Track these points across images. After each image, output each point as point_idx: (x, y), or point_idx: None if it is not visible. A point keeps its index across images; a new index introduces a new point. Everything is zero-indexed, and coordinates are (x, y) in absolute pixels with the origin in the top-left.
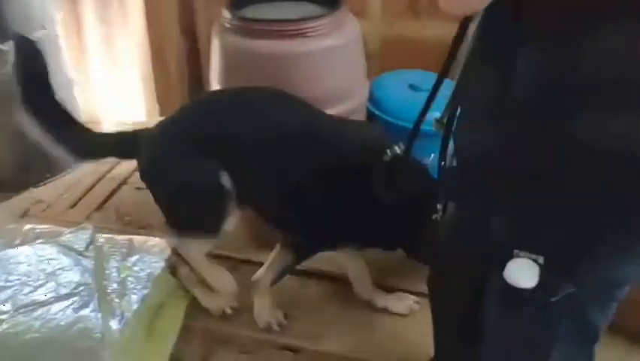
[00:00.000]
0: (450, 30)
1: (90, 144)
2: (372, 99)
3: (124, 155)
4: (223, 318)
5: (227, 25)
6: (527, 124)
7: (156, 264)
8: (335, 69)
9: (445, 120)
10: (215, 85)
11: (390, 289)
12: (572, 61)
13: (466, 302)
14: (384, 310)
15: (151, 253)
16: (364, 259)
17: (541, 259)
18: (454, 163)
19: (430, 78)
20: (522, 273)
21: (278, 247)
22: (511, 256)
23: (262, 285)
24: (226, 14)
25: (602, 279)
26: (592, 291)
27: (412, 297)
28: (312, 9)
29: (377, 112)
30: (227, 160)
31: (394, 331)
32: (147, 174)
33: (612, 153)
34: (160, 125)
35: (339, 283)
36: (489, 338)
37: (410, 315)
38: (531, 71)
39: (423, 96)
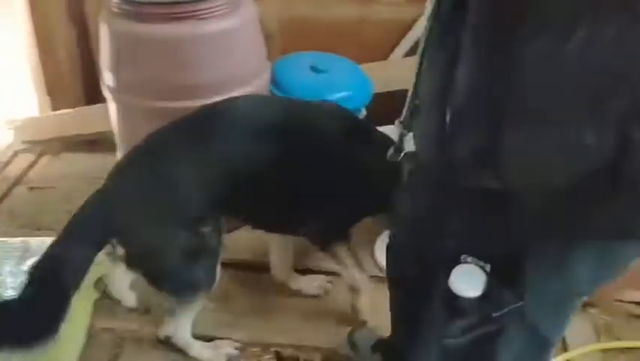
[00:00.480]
0: (350, 11)
1: None
2: (274, 82)
3: None
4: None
5: (115, 10)
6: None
7: None
8: (233, 52)
9: (406, 121)
10: (107, 75)
11: (302, 271)
12: (502, 70)
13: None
14: (298, 294)
15: None
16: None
17: (488, 267)
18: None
19: (331, 60)
20: (468, 281)
21: (328, 254)
22: (458, 262)
23: (359, 277)
24: None
25: (547, 292)
26: (540, 304)
27: (324, 277)
28: None
29: (280, 93)
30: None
31: (308, 313)
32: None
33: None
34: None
35: (248, 270)
36: (436, 343)
37: (324, 295)
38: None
39: (324, 78)
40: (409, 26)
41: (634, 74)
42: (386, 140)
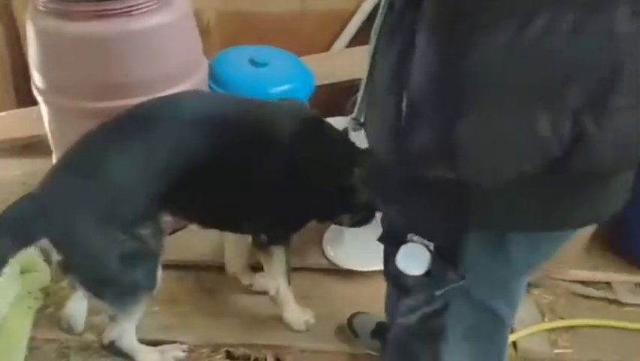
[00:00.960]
0: (289, 3)
1: None
2: (213, 77)
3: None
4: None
5: (42, 8)
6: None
7: None
8: (167, 48)
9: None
10: (36, 75)
11: (255, 268)
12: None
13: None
14: (246, 292)
15: None
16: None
17: (432, 246)
18: None
19: (271, 53)
20: (413, 259)
21: (259, 253)
22: (405, 240)
23: (283, 290)
24: None
25: (489, 272)
26: (483, 283)
27: None
28: None
29: (219, 89)
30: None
31: (258, 311)
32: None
33: None
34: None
35: (193, 270)
36: (392, 326)
37: None
38: (425, 55)
39: (264, 71)
40: (349, 17)
41: (588, 64)
42: (337, 137)
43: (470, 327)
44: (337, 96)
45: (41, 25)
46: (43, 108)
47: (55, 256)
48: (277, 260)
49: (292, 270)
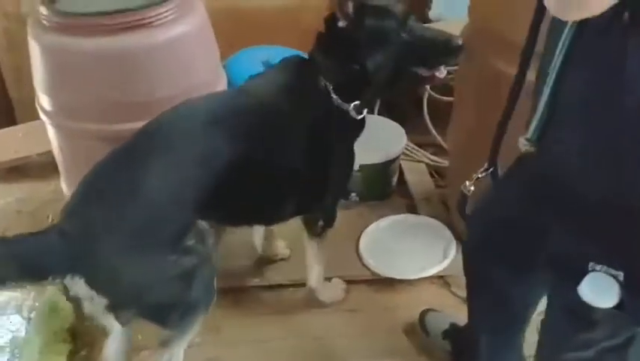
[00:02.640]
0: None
1: None
2: (228, 83)
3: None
4: None
5: (47, 23)
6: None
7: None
8: (192, 58)
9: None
10: (42, 97)
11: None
12: None
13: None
14: (289, 311)
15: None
16: None
17: (621, 276)
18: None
19: (281, 53)
20: (600, 290)
21: (309, 241)
22: (586, 270)
23: (318, 279)
24: (43, 10)
25: None
26: None
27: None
28: None
29: None
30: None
31: (306, 330)
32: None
33: None
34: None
35: (228, 294)
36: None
37: None
38: None
39: None
40: None
41: None
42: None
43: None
44: None
45: (48, 43)
46: (51, 131)
47: (82, 293)
48: (323, 247)
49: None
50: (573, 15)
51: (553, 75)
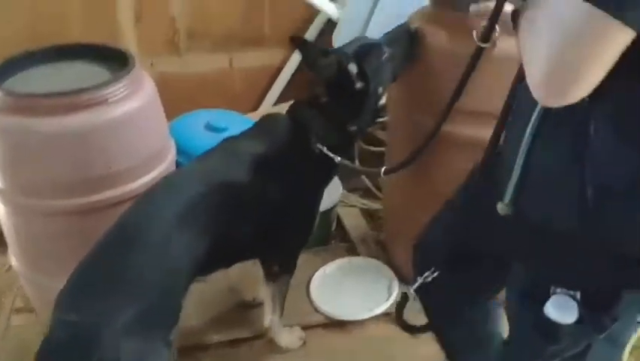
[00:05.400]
0: (213, 64)
1: None
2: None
3: None
4: None
5: (1, 105)
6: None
7: None
8: (146, 131)
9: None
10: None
11: None
12: None
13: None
14: None
15: None
16: None
17: (577, 295)
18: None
19: (224, 116)
20: (562, 308)
21: (265, 283)
22: (548, 293)
23: (276, 324)
24: None
25: (632, 307)
26: (623, 318)
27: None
28: (93, 68)
29: (184, 160)
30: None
31: None
32: None
33: None
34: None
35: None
36: None
37: None
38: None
39: (223, 136)
40: (276, 73)
41: None
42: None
43: (600, 358)
44: None
45: (3, 124)
46: (2, 209)
47: None
48: (283, 291)
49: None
50: (558, 103)
51: (524, 148)
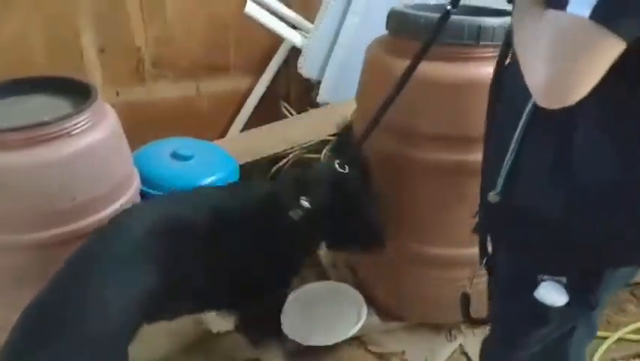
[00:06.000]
0: (179, 92)
1: None
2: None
3: None
4: None
5: None
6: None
7: None
8: (110, 162)
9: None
10: None
11: None
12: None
13: None
14: None
15: None
16: None
17: (564, 280)
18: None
19: (191, 145)
20: (553, 292)
21: None
22: (535, 283)
23: None
24: None
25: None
26: (605, 300)
27: None
28: (55, 101)
29: (149, 190)
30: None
31: None
32: None
33: None
34: None
35: None
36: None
37: None
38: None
39: (190, 164)
40: (243, 100)
41: None
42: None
43: (579, 341)
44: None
45: None
46: None
47: None
48: None
49: None
50: (557, 106)
51: (516, 141)
